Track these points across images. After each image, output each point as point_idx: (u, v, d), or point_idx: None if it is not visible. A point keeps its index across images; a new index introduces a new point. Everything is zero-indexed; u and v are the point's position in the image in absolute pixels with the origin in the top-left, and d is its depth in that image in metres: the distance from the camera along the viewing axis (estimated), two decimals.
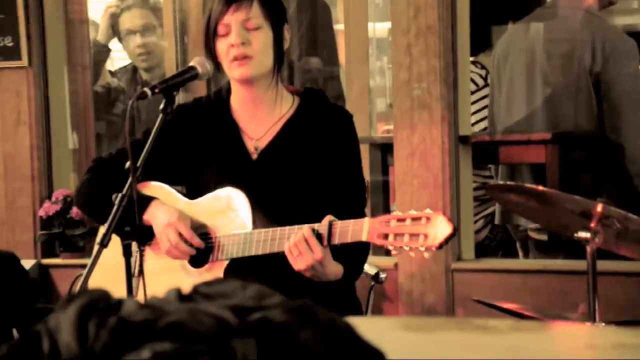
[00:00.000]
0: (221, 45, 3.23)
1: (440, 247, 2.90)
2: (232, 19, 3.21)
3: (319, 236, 3.01)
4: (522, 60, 4.67)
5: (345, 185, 3.27)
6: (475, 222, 4.79)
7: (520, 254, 4.89)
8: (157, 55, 5.63)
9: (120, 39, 5.68)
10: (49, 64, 5.04)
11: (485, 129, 4.96)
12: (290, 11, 5.42)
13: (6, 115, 4.99)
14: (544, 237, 4.65)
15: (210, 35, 3.25)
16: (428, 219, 2.92)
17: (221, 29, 3.23)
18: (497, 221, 4.85)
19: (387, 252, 3.05)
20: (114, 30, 5.70)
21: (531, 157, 4.57)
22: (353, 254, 3.15)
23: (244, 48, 3.20)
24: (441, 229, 2.89)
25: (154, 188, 3.31)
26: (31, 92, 4.97)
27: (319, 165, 3.26)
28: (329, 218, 3.04)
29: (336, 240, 3.02)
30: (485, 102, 4.97)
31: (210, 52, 3.27)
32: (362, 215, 3.19)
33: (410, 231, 2.93)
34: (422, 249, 2.91)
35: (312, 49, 5.54)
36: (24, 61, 4.95)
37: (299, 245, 3.02)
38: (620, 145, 4.47)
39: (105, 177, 3.28)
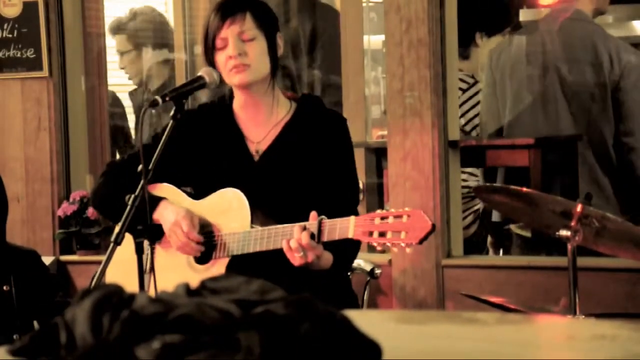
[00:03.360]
0: (220, 58, 3.24)
1: (420, 242, 2.89)
2: (229, 32, 3.22)
3: (311, 235, 3.01)
4: (534, 69, 4.63)
5: (339, 185, 3.27)
6: (465, 217, 4.77)
7: (491, 250, 4.89)
8: (139, 74, 5.80)
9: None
10: (68, 74, 5.04)
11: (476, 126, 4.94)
12: (305, 22, 5.42)
13: (28, 122, 4.99)
14: (527, 233, 4.64)
15: (210, 49, 3.26)
16: (409, 216, 2.91)
17: (219, 43, 3.23)
18: (494, 218, 4.82)
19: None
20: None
21: (516, 161, 4.56)
22: (342, 245, 3.12)
23: (241, 58, 3.21)
24: (421, 225, 2.89)
25: (163, 189, 3.31)
26: (51, 100, 4.97)
27: (314, 167, 3.25)
28: (315, 215, 3.03)
29: (325, 238, 3.02)
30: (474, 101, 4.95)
31: (210, 64, 3.27)
32: (354, 212, 3.19)
33: (392, 228, 2.92)
34: (404, 244, 2.90)
35: (322, 58, 5.53)
36: (45, 72, 4.95)
37: (299, 249, 3.01)
38: (632, 149, 4.49)
39: (118, 179, 3.27)
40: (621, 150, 4.52)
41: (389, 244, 2.92)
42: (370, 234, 2.95)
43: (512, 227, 4.70)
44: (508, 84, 4.70)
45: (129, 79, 5.95)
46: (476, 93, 4.95)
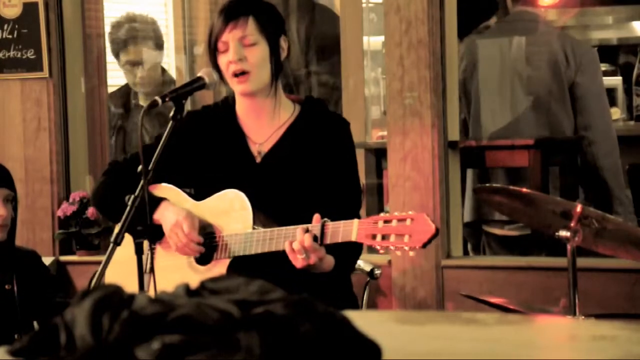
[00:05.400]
0: (222, 60, 3.24)
1: (424, 246, 2.88)
2: (230, 36, 3.22)
3: (314, 238, 3.01)
4: (497, 69, 4.68)
5: (342, 188, 3.26)
6: None
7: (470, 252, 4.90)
8: (155, 81, 5.70)
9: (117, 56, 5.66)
10: (68, 75, 5.04)
11: None
12: (305, 24, 5.42)
13: (28, 122, 4.99)
14: (500, 232, 4.67)
15: (212, 51, 3.26)
16: (412, 219, 2.90)
17: (221, 46, 3.24)
18: (467, 219, 4.81)
19: None
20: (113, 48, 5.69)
21: (515, 161, 4.57)
22: (344, 248, 3.12)
23: (241, 64, 3.21)
24: (424, 229, 2.88)
25: (165, 189, 3.30)
26: (51, 101, 4.97)
27: (317, 169, 3.25)
28: (318, 217, 3.03)
29: (328, 240, 3.01)
30: None
31: (214, 66, 3.27)
32: (356, 216, 3.18)
33: (396, 232, 2.91)
34: (407, 248, 2.89)
35: (324, 60, 5.53)
36: (45, 72, 4.95)
37: (302, 251, 3.01)
38: (592, 142, 4.54)
39: (120, 179, 3.27)
40: (581, 144, 4.58)
41: (392, 248, 2.92)
42: (374, 237, 2.94)
43: (485, 227, 4.72)
44: (470, 85, 4.73)
45: (142, 86, 5.87)
46: None
